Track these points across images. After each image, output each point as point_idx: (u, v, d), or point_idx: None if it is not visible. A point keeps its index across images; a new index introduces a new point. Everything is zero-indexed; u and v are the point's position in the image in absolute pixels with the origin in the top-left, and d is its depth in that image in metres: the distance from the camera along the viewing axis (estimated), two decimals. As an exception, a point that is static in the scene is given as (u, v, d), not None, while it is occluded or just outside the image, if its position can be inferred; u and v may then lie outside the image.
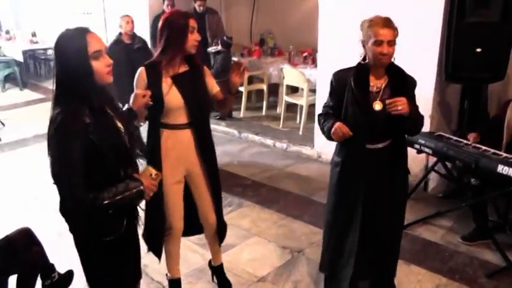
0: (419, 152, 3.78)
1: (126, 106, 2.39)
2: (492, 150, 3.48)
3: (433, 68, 4.31)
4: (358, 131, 2.54)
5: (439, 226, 3.95)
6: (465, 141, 3.68)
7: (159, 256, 2.93)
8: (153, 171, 2.07)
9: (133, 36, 5.62)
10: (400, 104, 2.39)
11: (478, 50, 3.97)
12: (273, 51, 7.54)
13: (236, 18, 8.64)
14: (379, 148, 2.62)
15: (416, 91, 4.24)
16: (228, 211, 4.14)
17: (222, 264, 3.15)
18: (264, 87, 6.98)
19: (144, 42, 5.76)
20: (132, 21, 5.57)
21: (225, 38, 6.52)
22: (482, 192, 3.61)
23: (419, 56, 4.29)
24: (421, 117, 2.63)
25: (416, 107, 2.59)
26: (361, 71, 2.59)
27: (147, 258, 3.39)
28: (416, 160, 4.35)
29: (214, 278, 3.19)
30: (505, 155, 3.43)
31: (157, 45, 2.67)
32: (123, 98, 3.74)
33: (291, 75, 6.21)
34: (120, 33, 5.62)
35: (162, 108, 2.61)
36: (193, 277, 3.28)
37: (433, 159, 4.04)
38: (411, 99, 2.52)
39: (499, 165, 3.20)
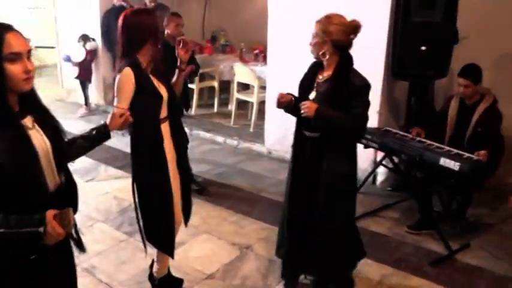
0: (366, 146, 3.86)
1: (102, 122, 2.17)
2: (436, 144, 3.60)
3: (381, 66, 4.41)
4: (298, 117, 2.70)
5: (386, 218, 4.05)
6: (410, 136, 3.79)
7: (172, 252, 2.87)
8: (71, 218, 1.69)
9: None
10: (304, 108, 2.56)
11: (423, 48, 4.11)
12: (225, 48, 7.52)
13: (188, 15, 8.51)
14: (316, 136, 2.69)
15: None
16: (177, 209, 4.08)
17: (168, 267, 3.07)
18: (216, 84, 6.94)
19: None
20: (183, 25, 4.61)
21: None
22: (427, 185, 3.72)
23: (367, 54, 4.34)
24: (347, 123, 2.61)
25: (337, 114, 2.59)
26: (314, 63, 2.77)
27: (96, 259, 3.32)
28: (364, 155, 4.44)
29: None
30: (447, 148, 3.55)
31: (122, 44, 2.58)
32: None
33: (242, 72, 6.21)
34: (163, 33, 4.73)
35: (162, 101, 2.60)
36: (143, 278, 3.18)
37: (381, 154, 4.15)
38: (342, 101, 2.58)
39: (441, 158, 3.31)
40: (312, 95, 2.68)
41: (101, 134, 2.10)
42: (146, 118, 2.54)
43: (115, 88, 2.56)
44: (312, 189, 2.73)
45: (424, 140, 3.69)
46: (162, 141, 2.63)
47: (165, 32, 4.38)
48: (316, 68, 2.74)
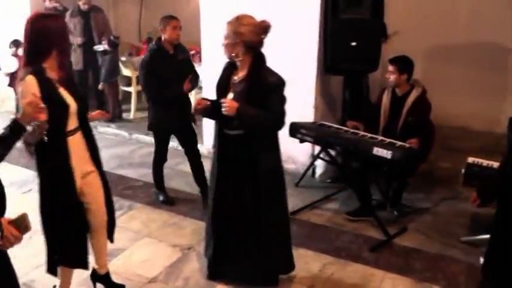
0: (301, 141, 3.92)
1: (11, 117, 2.08)
2: (369, 135, 3.72)
3: (314, 62, 4.50)
4: (218, 118, 2.73)
5: (326, 209, 4.15)
6: (345, 128, 3.90)
7: (86, 265, 2.75)
8: (28, 223, 1.72)
9: (176, 45, 4.10)
10: (225, 106, 2.60)
11: (353, 44, 4.23)
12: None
13: (124, 16, 8.38)
14: (235, 134, 2.73)
15: (300, 84, 4.47)
16: (118, 215, 3.93)
17: (108, 272, 2.99)
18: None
19: (187, 51, 4.36)
20: (181, 27, 4.06)
21: (111, 37, 6.30)
22: (363, 174, 3.84)
23: (300, 51, 4.49)
24: (267, 119, 2.68)
25: (257, 112, 2.64)
26: (228, 64, 2.82)
27: (35, 272, 3.18)
28: (303, 149, 4.53)
29: None
30: (380, 138, 3.68)
31: (25, 51, 2.47)
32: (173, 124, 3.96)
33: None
34: (160, 39, 4.04)
35: (68, 111, 2.47)
36: (85, 286, 3.09)
37: (319, 148, 4.24)
38: (258, 99, 2.63)
39: (374, 148, 3.43)
40: (230, 96, 2.72)
41: (13, 129, 2.02)
42: (51, 129, 2.30)
43: (19, 97, 2.44)
44: (238, 187, 2.77)
45: (358, 131, 3.81)
46: (67, 154, 2.49)
47: (162, 38, 3.99)
48: (230, 68, 2.79)
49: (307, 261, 3.36)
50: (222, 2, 4.87)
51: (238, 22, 2.64)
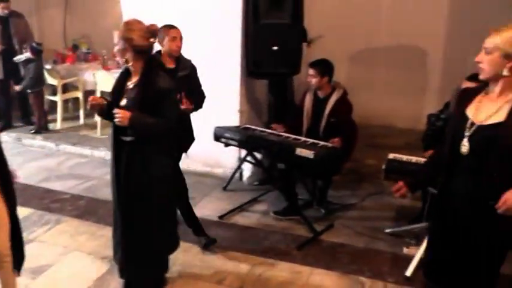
0: (226, 145, 3.96)
1: None
2: (293, 136, 3.82)
3: (237, 66, 4.56)
4: (113, 122, 2.71)
5: (254, 211, 4.22)
6: (269, 131, 3.98)
7: None
8: None
9: (178, 59, 3.53)
10: (118, 117, 2.60)
11: (275, 48, 4.32)
12: (87, 56, 7.24)
13: (49, 22, 8.08)
14: (129, 141, 2.73)
15: (224, 88, 4.53)
16: (45, 230, 3.89)
17: None
18: (80, 95, 6.66)
19: (192, 67, 3.63)
20: (181, 37, 3.47)
21: (34, 44, 6.06)
22: (288, 175, 3.93)
23: (223, 55, 4.54)
24: (159, 126, 2.68)
25: (149, 120, 2.64)
26: (125, 69, 2.79)
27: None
28: (230, 153, 4.58)
29: None
30: (304, 139, 3.78)
31: None
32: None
33: (105, 80, 6.01)
34: (159, 53, 3.46)
35: None
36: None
37: (246, 151, 4.30)
38: (151, 105, 2.63)
39: (297, 149, 3.52)
40: (123, 102, 2.71)
41: None
42: None
43: None
44: (132, 191, 2.78)
45: (281, 133, 3.90)
46: None
47: (162, 51, 3.46)
48: (125, 74, 2.77)
49: (236, 264, 3.40)
50: (144, 8, 4.83)
51: (126, 27, 2.63)
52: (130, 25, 2.64)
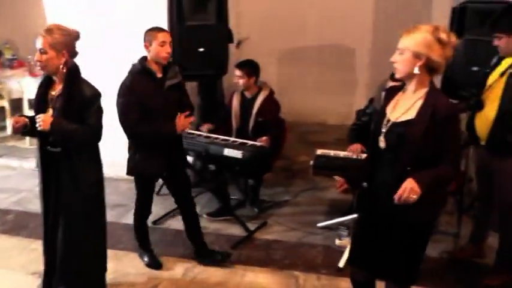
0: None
1: None
2: (222, 137, 3.86)
3: (164, 69, 4.52)
4: (41, 133, 2.62)
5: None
6: (198, 133, 3.98)
7: None
8: None
9: (166, 66, 3.23)
10: (39, 122, 2.54)
11: (201, 49, 4.33)
12: (12, 63, 6.92)
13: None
14: (58, 152, 2.67)
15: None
16: (-30, 248, 3.71)
17: None
18: (6, 104, 6.37)
19: (179, 74, 3.34)
20: (171, 42, 3.23)
21: None
22: (219, 175, 3.97)
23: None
24: (82, 134, 2.63)
25: (72, 126, 2.59)
26: (45, 78, 2.72)
27: None
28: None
29: None
30: (232, 139, 3.83)
31: None
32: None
33: (32, 87, 5.79)
34: (145, 59, 3.18)
35: None
36: None
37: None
38: (76, 113, 2.60)
39: (225, 149, 3.58)
40: (49, 112, 2.63)
41: None
42: None
43: None
44: (61, 203, 2.73)
45: (210, 135, 3.93)
46: None
47: (147, 57, 3.16)
48: (47, 83, 2.70)
49: (169, 268, 3.39)
50: (69, 12, 4.71)
51: (49, 33, 2.55)
52: (53, 31, 2.55)
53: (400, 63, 2.13)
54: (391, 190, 2.14)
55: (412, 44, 2.09)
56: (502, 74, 3.01)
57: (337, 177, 2.47)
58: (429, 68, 2.12)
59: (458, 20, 3.92)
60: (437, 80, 3.83)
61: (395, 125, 2.19)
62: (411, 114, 2.15)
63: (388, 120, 2.22)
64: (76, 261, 2.81)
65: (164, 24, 4.38)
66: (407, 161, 2.14)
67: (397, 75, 2.19)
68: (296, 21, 6.53)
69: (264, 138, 3.85)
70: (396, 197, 2.05)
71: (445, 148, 2.12)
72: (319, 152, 3.93)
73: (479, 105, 3.12)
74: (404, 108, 2.19)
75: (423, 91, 2.16)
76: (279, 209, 4.33)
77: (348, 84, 6.68)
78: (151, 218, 3.98)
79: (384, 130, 2.23)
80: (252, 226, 3.90)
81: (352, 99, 6.43)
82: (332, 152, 3.91)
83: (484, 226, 3.54)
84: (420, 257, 2.35)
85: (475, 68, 3.71)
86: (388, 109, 2.28)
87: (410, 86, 2.20)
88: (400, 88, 2.30)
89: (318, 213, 4.23)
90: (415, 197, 2.03)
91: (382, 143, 2.23)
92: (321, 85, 6.64)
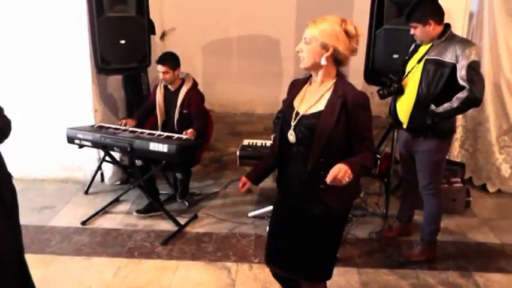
0: (80, 146, 3.79)
1: None
2: (148, 131, 3.77)
3: (87, 63, 4.35)
4: None
5: (118, 212, 4.09)
6: (123, 128, 3.87)
7: None
8: None
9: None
10: None
11: (122, 42, 4.20)
12: None
13: None
14: None
15: (76, 87, 4.31)
16: None
17: None
18: None
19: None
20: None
21: None
22: (146, 171, 3.88)
23: (72, 53, 4.31)
24: None
25: None
26: None
27: None
28: (90, 155, 4.40)
29: None
30: (158, 133, 3.76)
31: None
32: None
33: None
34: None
35: None
36: None
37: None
38: None
39: (151, 143, 3.49)
40: None
41: None
42: None
43: None
44: None
45: (136, 129, 3.83)
46: None
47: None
48: None
49: (100, 270, 3.28)
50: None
51: None
52: None
53: (306, 53, 2.08)
54: (303, 184, 2.13)
55: (320, 34, 2.04)
56: (419, 61, 3.17)
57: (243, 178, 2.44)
58: (336, 59, 2.09)
59: (378, 10, 4.08)
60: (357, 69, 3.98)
61: (305, 117, 2.12)
62: (321, 106, 2.10)
63: (297, 114, 2.15)
64: None
65: (83, 16, 4.21)
66: (319, 153, 2.08)
67: (302, 65, 2.13)
68: (221, 12, 6.50)
69: (190, 130, 3.81)
70: (330, 176, 1.94)
71: (360, 137, 2.10)
72: (246, 142, 3.95)
73: (400, 91, 3.27)
74: (312, 100, 2.14)
75: (331, 82, 2.12)
76: (209, 201, 4.32)
77: (275, 74, 6.76)
78: (79, 218, 3.88)
79: (292, 123, 2.15)
80: (182, 220, 3.86)
81: (278, 89, 6.50)
82: (259, 142, 3.94)
83: (409, 205, 3.73)
84: (334, 252, 2.34)
85: (395, 56, 3.90)
86: (296, 102, 2.20)
87: (317, 78, 2.15)
88: (304, 80, 2.25)
89: (248, 203, 4.26)
90: (347, 179, 1.95)
91: (291, 137, 2.16)
92: (249, 75, 6.67)
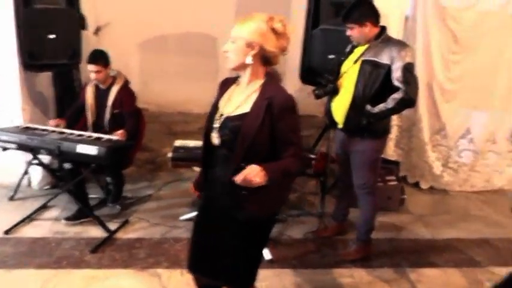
0: (4, 149, 3.53)
1: None
2: (77, 133, 3.58)
3: (14, 59, 4.04)
4: None
5: (46, 219, 3.84)
6: (51, 129, 3.65)
7: None
8: None
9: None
10: None
11: (51, 36, 3.96)
12: None
13: None
14: None
15: (3, 85, 4.02)
16: None
17: None
18: None
19: None
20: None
21: None
22: (76, 174, 3.67)
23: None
24: None
25: None
26: None
27: None
28: (19, 158, 4.11)
29: None
30: (88, 134, 3.57)
31: None
32: None
33: None
34: None
35: None
36: None
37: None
38: None
39: (78, 145, 3.31)
40: None
41: None
42: None
43: None
44: None
45: (65, 130, 3.62)
46: None
47: None
48: None
49: (25, 283, 3.05)
50: None
51: None
52: None
53: (233, 52, 2.01)
54: (226, 188, 2.05)
55: (246, 32, 1.97)
56: (355, 62, 3.18)
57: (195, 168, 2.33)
58: (263, 58, 2.02)
59: (314, 10, 4.08)
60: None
61: (230, 119, 2.03)
62: (246, 108, 2.02)
63: (221, 115, 2.07)
64: None
65: (9, 7, 3.92)
66: (242, 156, 1.99)
67: (229, 65, 2.05)
68: (158, 8, 6.31)
69: (120, 131, 3.65)
70: (240, 175, 1.89)
71: (286, 141, 2.02)
72: (178, 143, 3.83)
73: (335, 91, 3.28)
74: (238, 101, 2.05)
75: (258, 83, 2.04)
76: (142, 204, 4.16)
77: (212, 73, 6.61)
78: (3, 228, 3.62)
79: (216, 125, 2.07)
80: (113, 225, 3.69)
81: (215, 88, 6.40)
82: (192, 143, 3.83)
83: (345, 205, 3.76)
84: (258, 258, 2.28)
85: (331, 56, 3.90)
86: (222, 103, 2.13)
87: (244, 78, 2.06)
88: (233, 80, 2.17)
89: (182, 206, 4.13)
90: (258, 180, 1.88)
91: (215, 139, 2.08)
92: (185, 74, 6.53)
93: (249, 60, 2.00)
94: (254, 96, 2.03)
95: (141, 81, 6.02)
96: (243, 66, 2.04)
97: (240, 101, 2.05)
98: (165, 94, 6.26)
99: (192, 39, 6.53)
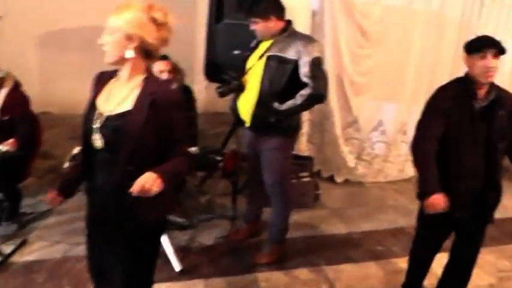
0: None
1: None
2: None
3: None
4: None
5: None
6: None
7: None
8: None
9: None
10: None
11: None
12: None
13: None
14: None
15: None
16: None
17: None
18: None
19: None
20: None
21: None
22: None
23: None
24: None
25: None
26: None
27: None
28: None
29: None
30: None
31: None
32: None
33: None
34: None
35: None
36: None
37: None
38: None
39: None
40: None
41: None
42: None
43: None
44: None
45: None
46: None
47: None
48: None
49: None
50: None
51: None
52: None
53: (110, 45, 1.84)
54: (112, 196, 1.88)
55: (123, 24, 1.82)
56: (260, 57, 3.06)
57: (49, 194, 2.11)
58: (144, 51, 1.87)
59: (217, 4, 3.91)
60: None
61: (111, 118, 1.86)
62: (128, 105, 1.85)
63: (101, 114, 1.88)
64: None
65: None
66: (127, 159, 1.83)
67: (107, 60, 1.88)
68: (54, 2, 5.84)
69: (11, 140, 3.29)
70: (137, 186, 1.73)
71: (172, 140, 1.90)
72: (76, 150, 3.52)
73: (240, 88, 3.14)
74: (119, 98, 1.88)
75: (139, 78, 1.89)
76: (43, 220, 3.79)
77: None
78: None
79: (96, 126, 1.87)
80: (8, 248, 3.31)
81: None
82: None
83: (256, 204, 3.64)
84: (152, 268, 2.12)
85: (236, 52, 3.75)
86: (100, 101, 1.93)
87: (124, 73, 1.90)
88: (111, 75, 1.98)
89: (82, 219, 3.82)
90: (156, 189, 1.75)
91: (98, 142, 1.88)
92: (91, 72, 6.09)
93: (129, 54, 1.83)
94: (136, 93, 1.87)
95: (41, 81, 5.56)
96: (122, 61, 1.87)
97: (121, 97, 1.87)
98: (69, 94, 5.83)
99: (96, 33, 6.10)
